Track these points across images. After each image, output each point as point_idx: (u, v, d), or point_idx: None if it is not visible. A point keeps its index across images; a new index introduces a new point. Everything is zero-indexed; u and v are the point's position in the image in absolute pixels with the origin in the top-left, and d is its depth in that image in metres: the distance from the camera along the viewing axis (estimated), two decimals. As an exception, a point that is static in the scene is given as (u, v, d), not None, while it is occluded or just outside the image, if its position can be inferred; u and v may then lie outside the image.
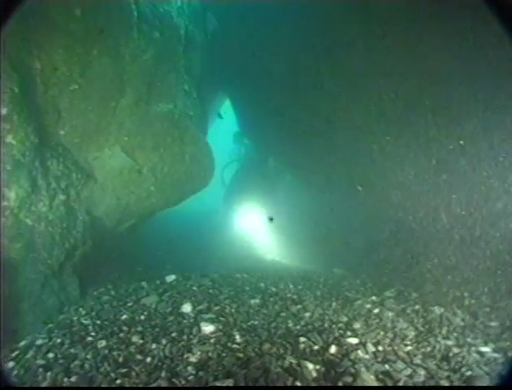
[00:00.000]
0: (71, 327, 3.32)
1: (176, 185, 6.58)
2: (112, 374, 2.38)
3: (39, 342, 3.08)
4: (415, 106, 4.50)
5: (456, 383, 2.04)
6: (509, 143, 3.49)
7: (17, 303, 3.68)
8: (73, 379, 2.38)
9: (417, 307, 3.33)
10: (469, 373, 2.17)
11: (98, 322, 3.42)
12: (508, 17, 1.93)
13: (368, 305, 3.42)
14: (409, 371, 2.16)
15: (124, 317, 3.44)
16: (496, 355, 2.34)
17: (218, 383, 2.10)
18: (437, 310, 3.21)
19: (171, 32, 6.19)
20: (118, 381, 2.30)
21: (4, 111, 3.89)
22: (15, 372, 2.55)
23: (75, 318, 3.62)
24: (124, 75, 5.51)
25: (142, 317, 3.41)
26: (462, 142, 3.90)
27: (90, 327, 3.26)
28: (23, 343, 3.12)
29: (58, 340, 3.03)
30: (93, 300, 4.22)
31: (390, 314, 3.16)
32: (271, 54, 7.06)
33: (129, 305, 3.79)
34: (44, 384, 2.38)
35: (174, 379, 2.19)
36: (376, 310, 3.27)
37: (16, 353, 2.91)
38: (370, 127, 5.49)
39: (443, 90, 3.96)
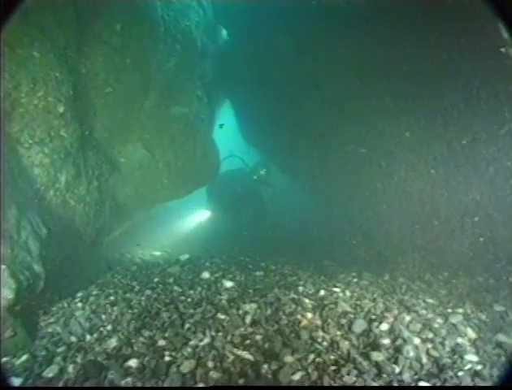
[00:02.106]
0: (117, 284, 4.32)
1: (187, 179, 7.59)
2: (163, 308, 3.37)
3: (94, 292, 4.07)
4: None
5: (405, 314, 3.11)
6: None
7: (68, 267, 4.64)
8: (135, 310, 3.40)
9: (386, 278, 4.40)
10: (412, 308, 3.26)
11: (135, 282, 4.40)
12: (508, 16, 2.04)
13: (349, 278, 4.47)
14: (371, 304, 3.24)
15: (156, 279, 4.42)
16: (435, 302, 3.44)
17: (246, 307, 3.13)
18: (401, 280, 4.30)
19: (190, 44, 7.22)
20: (166, 314, 3.29)
21: (61, 109, 4.83)
22: (86, 313, 3.54)
23: (115, 279, 4.61)
24: (150, 81, 6.50)
25: (171, 280, 4.40)
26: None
27: (133, 284, 4.25)
28: (79, 294, 4.10)
29: (111, 291, 4.01)
30: (123, 269, 5.19)
31: (365, 282, 4.21)
32: (274, 62, 8.02)
33: (157, 272, 4.77)
34: (112, 320, 3.36)
35: (209, 306, 3.22)
36: (355, 280, 4.32)
37: (78, 300, 3.90)
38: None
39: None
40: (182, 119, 7.27)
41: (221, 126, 11.14)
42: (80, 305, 3.78)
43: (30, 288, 3.44)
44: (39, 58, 4.42)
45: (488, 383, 2.29)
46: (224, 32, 9.06)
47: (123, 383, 2.37)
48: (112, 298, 3.77)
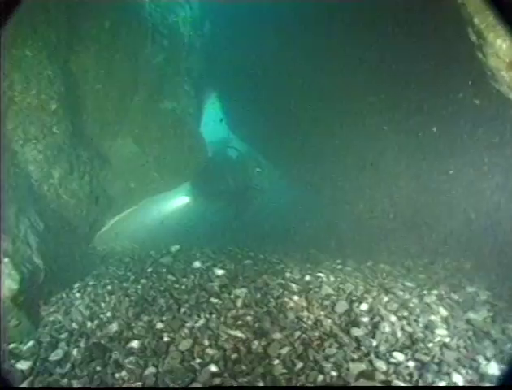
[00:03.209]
0: (113, 275, 4.55)
1: (175, 172, 7.79)
2: (159, 295, 3.62)
3: (91, 283, 4.30)
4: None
5: (384, 295, 3.41)
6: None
7: (63, 260, 4.84)
8: (133, 298, 3.64)
9: (368, 265, 4.70)
10: (391, 290, 3.57)
11: (130, 273, 4.63)
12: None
13: (334, 265, 4.76)
14: (353, 287, 3.54)
15: (150, 269, 4.65)
16: (413, 285, 3.77)
17: (237, 292, 3.40)
18: (382, 265, 4.60)
19: (178, 39, 7.40)
20: (162, 300, 3.54)
21: (54, 106, 5.00)
22: (86, 302, 3.77)
23: (110, 270, 4.83)
24: (138, 77, 6.67)
25: (164, 269, 4.63)
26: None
27: (128, 274, 4.49)
28: (76, 285, 4.33)
29: (107, 281, 4.25)
30: (116, 261, 5.41)
31: (349, 268, 4.50)
32: (260, 55, 8.21)
33: (150, 263, 5.00)
34: (111, 307, 3.59)
35: (203, 292, 3.49)
36: (339, 267, 4.61)
37: (76, 290, 4.13)
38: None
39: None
40: (170, 113, 7.45)
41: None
42: (78, 295, 4.01)
43: (32, 280, 3.65)
44: (31, 57, 4.59)
45: (455, 353, 2.59)
46: (210, 27, 9.21)
47: (126, 362, 2.62)
48: (109, 288, 4.01)
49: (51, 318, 3.59)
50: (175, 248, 5.78)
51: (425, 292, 3.62)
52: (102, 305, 3.63)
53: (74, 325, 3.40)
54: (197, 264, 4.64)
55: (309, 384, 2.21)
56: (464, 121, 4.30)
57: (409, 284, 3.85)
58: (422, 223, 5.67)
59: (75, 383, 2.53)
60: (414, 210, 5.87)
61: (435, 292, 3.62)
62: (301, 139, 8.41)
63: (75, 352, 2.92)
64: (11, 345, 3.13)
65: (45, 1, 4.74)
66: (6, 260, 3.34)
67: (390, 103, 5.73)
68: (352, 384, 2.18)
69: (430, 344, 2.65)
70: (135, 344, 2.82)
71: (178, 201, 11.81)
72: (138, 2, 6.58)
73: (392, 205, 6.40)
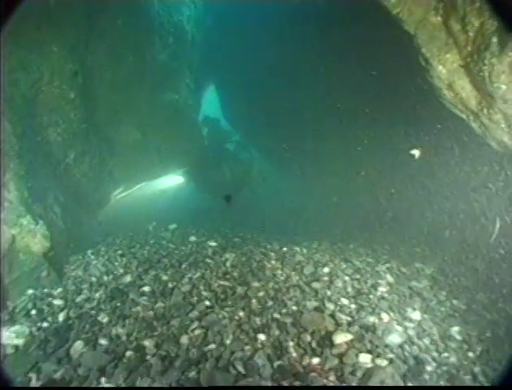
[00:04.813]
0: (120, 244, 5.48)
1: (175, 159, 8.73)
2: (162, 257, 4.56)
3: (102, 249, 5.23)
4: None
5: (343, 263, 4.37)
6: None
7: (76, 230, 5.76)
8: (140, 259, 4.59)
9: (340, 245, 5.66)
10: (351, 260, 4.56)
11: (135, 243, 5.54)
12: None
13: (310, 244, 5.69)
14: (320, 257, 4.54)
15: (152, 241, 5.59)
16: (371, 260, 4.75)
17: (227, 256, 4.37)
18: (352, 246, 5.57)
19: (182, 36, 8.29)
20: (166, 259, 4.48)
21: (72, 96, 5.89)
22: (101, 262, 4.70)
23: (117, 241, 5.76)
24: (145, 71, 7.57)
25: (164, 241, 5.58)
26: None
27: (133, 244, 5.42)
28: (90, 251, 5.25)
29: (117, 248, 5.18)
30: (121, 234, 6.32)
31: (323, 247, 5.47)
32: (257, 50, 9.01)
33: (151, 236, 5.95)
34: (123, 265, 4.52)
35: (199, 256, 4.46)
36: (315, 245, 5.51)
37: (90, 254, 5.06)
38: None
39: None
40: (171, 104, 8.37)
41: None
42: (93, 257, 4.95)
43: (58, 240, 4.59)
44: (57, 53, 5.47)
45: (388, 303, 3.57)
46: (212, 24, 10.08)
47: (141, 300, 3.57)
48: (119, 252, 4.96)
49: (73, 274, 4.51)
50: (172, 226, 6.72)
51: (379, 264, 4.60)
52: (115, 264, 4.58)
53: (93, 278, 4.32)
54: (192, 238, 5.60)
55: (276, 315, 3.18)
56: (415, 130, 5.31)
57: (368, 260, 4.83)
58: (392, 217, 6.68)
59: (101, 314, 3.46)
60: (389, 207, 6.87)
61: (387, 265, 4.61)
62: (293, 133, 9.33)
63: (97, 295, 3.86)
64: (45, 290, 4.05)
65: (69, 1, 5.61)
66: (40, 222, 4.26)
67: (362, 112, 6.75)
68: (305, 315, 3.14)
69: (371, 296, 3.63)
70: (146, 288, 3.77)
71: (175, 185, 12.75)
72: (148, 2, 7.46)
73: (371, 200, 7.39)
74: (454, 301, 4.03)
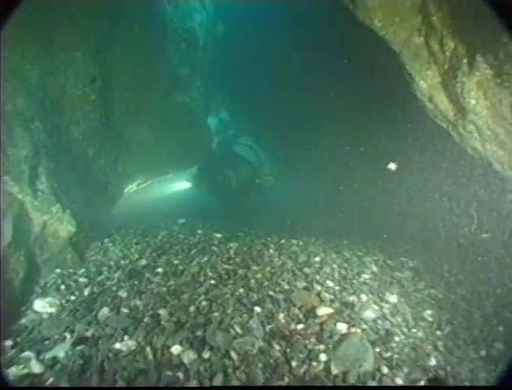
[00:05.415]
0: (134, 234, 6.14)
1: (184, 157, 9.39)
2: (173, 245, 5.21)
3: (118, 238, 5.88)
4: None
5: (334, 254, 4.98)
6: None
7: (94, 221, 6.41)
8: (154, 246, 5.24)
9: (335, 241, 6.27)
10: (341, 252, 5.18)
11: (147, 233, 6.21)
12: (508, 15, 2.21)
13: (307, 239, 6.34)
14: (314, 249, 5.17)
15: (163, 233, 6.23)
16: (361, 253, 5.35)
17: (230, 245, 5.02)
18: (346, 242, 6.18)
19: (194, 42, 8.96)
20: (176, 247, 5.13)
21: (93, 98, 6.56)
22: (118, 248, 5.36)
23: (131, 232, 6.40)
24: (158, 74, 8.23)
25: (174, 233, 6.22)
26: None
27: (146, 234, 6.08)
28: (106, 240, 5.90)
29: (131, 237, 5.84)
30: (133, 228, 6.97)
31: (319, 242, 6.09)
32: (264, 54, 9.66)
33: (162, 228, 6.60)
34: (138, 251, 5.17)
35: (206, 244, 5.12)
36: (312, 240, 6.17)
37: (107, 242, 5.71)
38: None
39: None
40: (182, 106, 9.03)
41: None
42: (110, 245, 5.61)
43: (81, 227, 5.25)
44: (80, 58, 6.13)
45: (369, 287, 4.18)
46: (223, 29, 10.75)
47: (155, 279, 4.22)
48: (134, 240, 5.63)
49: (93, 258, 5.17)
50: (181, 221, 7.37)
51: (367, 257, 5.22)
52: (131, 250, 5.25)
53: (111, 262, 4.97)
54: (200, 231, 6.24)
55: (270, 292, 3.81)
56: (401, 140, 5.95)
57: (358, 253, 5.44)
58: (384, 219, 7.30)
59: (121, 290, 4.10)
60: (382, 209, 7.49)
61: (374, 257, 5.23)
62: (298, 135, 9.95)
63: (116, 275, 4.51)
64: (70, 270, 4.70)
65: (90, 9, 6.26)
66: (67, 211, 4.92)
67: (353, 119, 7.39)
68: (295, 293, 3.77)
69: (354, 281, 4.26)
70: (160, 270, 4.43)
71: (182, 183, 13.45)
72: (163, 9, 8.13)
73: (369, 202, 8.00)
74: (432, 291, 4.62)
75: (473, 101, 4.05)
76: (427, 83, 4.50)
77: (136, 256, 5.03)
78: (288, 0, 8.17)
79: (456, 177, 5.30)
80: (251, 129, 12.36)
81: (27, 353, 3.10)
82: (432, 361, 3.25)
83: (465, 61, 3.95)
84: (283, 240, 5.51)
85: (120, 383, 2.72)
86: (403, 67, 4.56)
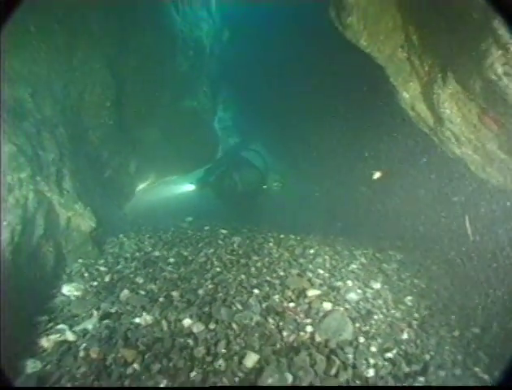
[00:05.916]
0: (146, 230, 6.81)
1: (192, 159, 10.06)
2: (183, 239, 5.87)
3: (132, 234, 6.55)
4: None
5: (327, 247, 5.60)
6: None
7: (107, 219, 7.09)
8: (165, 240, 5.89)
9: (331, 237, 6.89)
10: (334, 245, 5.80)
11: (158, 230, 6.88)
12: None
13: (305, 235, 6.97)
14: (309, 243, 5.80)
15: (173, 229, 6.91)
16: (353, 248, 5.96)
17: (234, 239, 5.67)
18: (341, 238, 6.80)
19: (201, 50, 9.61)
20: (186, 241, 5.78)
21: (108, 104, 7.23)
22: (133, 242, 6.02)
23: (142, 229, 7.08)
24: (167, 81, 8.90)
25: (183, 229, 6.89)
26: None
27: (157, 231, 6.74)
28: (121, 235, 6.57)
29: (144, 233, 6.52)
30: (144, 225, 7.64)
31: (317, 237, 6.72)
32: (268, 58, 10.28)
33: (171, 225, 7.27)
34: (152, 244, 5.84)
35: (212, 238, 5.78)
36: (310, 236, 6.81)
37: (122, 237, 6.37)
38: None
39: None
40: (190, 110, 9.71)
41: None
42: (125, 239, 6.27)
43: (99, 223, 5.91)
44: (97, 68, 6.80)
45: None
46: (229, 35, 11.41)
47: (167, 268, 4.87)
48: (147, 235, 6.30)
49: (110, 251, 5.82)
50: (188, 219, 8.04)
51: (358, 250, 5.85)
52: (145, 243, 5.91)
53: (127, 254, 5.63)
54: (207, 228, 6.90)
55: (268, 278, 4.45)
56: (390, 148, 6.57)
57: (350, 247, 6.07)
58: (382, 217, 7.89)
59: (138, 277, 4.75)
60: (380, 209, 8.09)
61: (364, 251, 5.85)
62: (303, 140, 10.56)
63: (133, 264, 5.17)
64: (91, 260, 5.37)
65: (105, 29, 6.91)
66: (88, 208, 5.59)
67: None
68: (289, 278, 4.41)
69: (343, 270, 4.89)
70: (171, 260, 5.10)
71: (187, 185, 14.11)
72: (173, 20, 8.79)
73: (359, 203, 8.61)
74: (416, 280, 5.22)
75: (448, 111, 4.65)
76: (409, 94, 5.10)
77: (150, 248, 5.70)
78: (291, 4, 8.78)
79: (441, 178, 5.89)
80: (258, 134, 13.03)
81: (61, 326, 3.75)
82: (405, 336, 3.86)
83: (440, 75, 4.55)
84: (282, 235, 6.17)
85: (142, 348, 3.36)
86: (387, 79, 5.17)
